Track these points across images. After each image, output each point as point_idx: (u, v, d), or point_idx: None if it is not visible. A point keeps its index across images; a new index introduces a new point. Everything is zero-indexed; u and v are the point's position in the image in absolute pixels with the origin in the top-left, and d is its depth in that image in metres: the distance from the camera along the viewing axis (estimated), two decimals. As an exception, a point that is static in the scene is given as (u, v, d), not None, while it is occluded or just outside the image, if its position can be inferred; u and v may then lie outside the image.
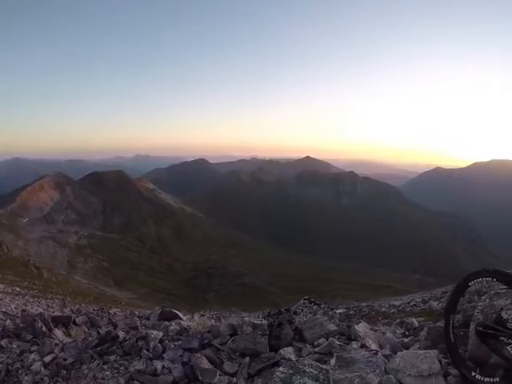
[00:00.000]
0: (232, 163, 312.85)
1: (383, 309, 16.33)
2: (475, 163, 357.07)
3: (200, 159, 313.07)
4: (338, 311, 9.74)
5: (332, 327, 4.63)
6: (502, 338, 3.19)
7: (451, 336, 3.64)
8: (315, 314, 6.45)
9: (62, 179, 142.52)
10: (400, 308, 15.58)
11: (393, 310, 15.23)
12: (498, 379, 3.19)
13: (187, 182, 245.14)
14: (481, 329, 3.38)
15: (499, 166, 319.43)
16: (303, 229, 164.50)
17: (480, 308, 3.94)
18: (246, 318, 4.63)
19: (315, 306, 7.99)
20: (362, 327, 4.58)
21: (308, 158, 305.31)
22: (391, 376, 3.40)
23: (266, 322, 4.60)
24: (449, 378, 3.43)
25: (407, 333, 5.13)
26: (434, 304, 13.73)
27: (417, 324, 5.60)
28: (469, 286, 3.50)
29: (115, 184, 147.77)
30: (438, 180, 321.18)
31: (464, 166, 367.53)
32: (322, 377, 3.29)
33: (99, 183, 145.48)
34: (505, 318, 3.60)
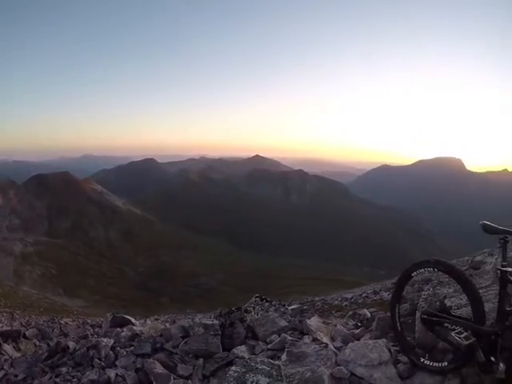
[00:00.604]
0: (181, 162, 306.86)
1: (336, 302, 16.56)
2: (420, 161, 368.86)
3: (148, 159, 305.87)
4: (291, 307, 9.79)
5: (283, 323, 4.65)
6: (446, 324, 3.30)
7: (398, 325, 3.74)
8: (267, 312, 6.47)
9: (3, 183, 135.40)
10: (352, 300, 15.86)
11: (345, 303, 15.47)
12: (446, 363, 3.31)
13: (136, 183, 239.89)
14: (425, 317, 3.47)
15: (443, 163, 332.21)
16: (254, 227, 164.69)
17: (424, 297, 4.07)
18: (197, 319, 4.58)
19: (267, 304, 8.00)
20: (313, 321, 4.62)
21: (257, 156, 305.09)
22: (342, 367, 3.47)
23: (217, 322, 4.57)
24: (399, 365, 3.53)
25: (359, 324, 5.21)
26: (385, 294, 14.02)
27: (369, 315, 5.71)
28: (412, 277, 3.59)
29: (61, 186, 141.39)
30: (385, 177, 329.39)
31: (409, 163, 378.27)
32: (274, 373, 3.31)
33: (44, 186, 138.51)
34: (448, 305, 3.74)
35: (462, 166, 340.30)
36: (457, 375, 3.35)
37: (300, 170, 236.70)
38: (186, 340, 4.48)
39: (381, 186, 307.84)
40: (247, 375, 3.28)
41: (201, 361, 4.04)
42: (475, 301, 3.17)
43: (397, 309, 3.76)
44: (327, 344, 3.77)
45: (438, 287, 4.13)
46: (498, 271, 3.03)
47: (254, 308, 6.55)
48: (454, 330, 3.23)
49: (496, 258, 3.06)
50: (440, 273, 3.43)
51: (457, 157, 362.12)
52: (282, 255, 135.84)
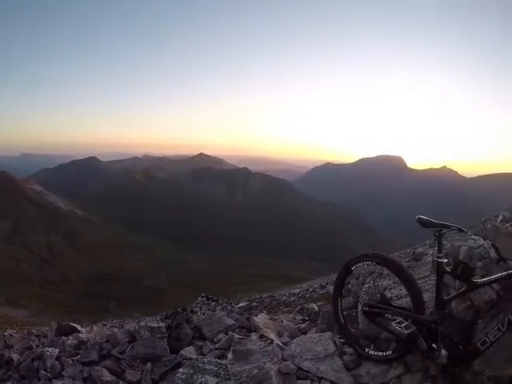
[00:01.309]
0: (124, 161, 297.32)
1: (284, 298, 16.66)
2: (363, 158, 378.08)
3: (91, 157, 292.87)
4: (240, 305, 9.82)
5: (230, 321, 4.63)
6: (387, 315, 3.41)
7: (341, 318, 3.84)
8: (214, 311, 6.45)
9: None
10: (300, 295, 16.01)
11: (293, 298, 15.60)
12: (390, 352, 3.42)
13: (77, 183, 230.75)
14: (367, 309, 3.58)
15: (385, 161, 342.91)
16: (199, 226, 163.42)
17: (365, 289, 4.19)
18: (143, 323, 4.46)
19: (213, 303, 8.00)
20: (261, 318, 4.64)
21: (202, 154, 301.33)
22: (289, 362, 3.50)
23: (163, 324, 4.51)
24: (344, 356, 3.61)
25: (307, 318, 5.28)
26: (332, 288, 14.26)
27: (317, 309, 5.79)
28: (351, 271, 3.71)
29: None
30: (329, 174, 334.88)
31: (353, 161, 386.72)
32: (222, 372, 3.31)
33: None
34: (389, 296, 3.86)
35: (403, 163, 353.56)
36: (401, 363, 3.47)
37: (244, 167, 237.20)
38: (132, 345, 4.37)
39: (325, 183, 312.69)
40: (195, 376, 3.27)
41: (149, 365, 3.96)
42: (413, 291, 3.30)
43: (339, 302, 3.86)
44: (272, 340, 3.79)
45: (379, 279, 4.25)
46: (435, 262, 3.18)
47: (200, 308, 6.53)
48: (394, 320, 3.33)
49: (432, 250, 3.20)
50: (376, 265, 3.55)
51: (398, 155, 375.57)
52: (228, 253, 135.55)
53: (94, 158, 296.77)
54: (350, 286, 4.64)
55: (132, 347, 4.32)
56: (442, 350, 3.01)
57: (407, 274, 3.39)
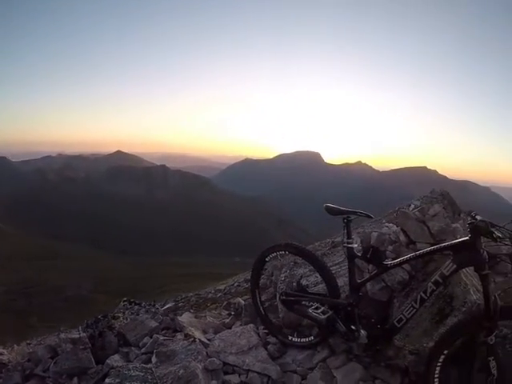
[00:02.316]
0: (36, 160, 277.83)
1: (210, 295, 16.62)
2: (281, 154, 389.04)
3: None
4: (166, 306, 9.66)
5: (154, 324, 4.50)
6: (304, 302, 3.49)
7: (261, 309, 3.90)
8: (137, 315, 6.28)
9: None
10: (226, 291, 16.04)
11: (219, 294, 15.59)
12: (312, 338, 3.52)
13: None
14: (284, 298, 3.64)
15: (303, 157, 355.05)
16: (119, 227, 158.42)
17: (282, 279, 4.27)
18: (63, 335, 4.23)
19: (136, 306, 7.76)
20: (185, 317, 4.59)
21: (119, 152, 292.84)
22: (214, 359, 3.48)
23: (85, 334, 4.32)
24: (269, 346, 3.66)
25: (233, 313, 5.30)
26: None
27: (243, 303, 5.84)
28: (266, 262, 3.77)
29: None
30: (248, 170, 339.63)
31: (271, 156, 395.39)
32: (149, 377, 3.21)
33: None
34: (305, 284, 3.97)
35: (321, 158, 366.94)
36: (325, 346, 3.58)
37: (163, 165, 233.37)
38: (55, 360, 4.14)
39: (244, 178, 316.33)
40: None
41: (75, 380, 3.76)
42: (327, 277, 3.42)
43: (257, 293, 3.92)
44: (195, 338, 3.77)
45: (295, 268, 4.36)
46: (345, 248, 3.29)
47: (123, 313, 6.30)
48: (311, 306, 3.43)
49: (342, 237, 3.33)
50: (289, 254, 3.63)
51: (315, 150, 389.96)
52: (151, 254, 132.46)
53: (3, 157, 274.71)
54: (273, 277, 4.71)
55: (55, 363, 4.07)
56: (361, 331, 3.14)
57: (319, 261, 3.50)
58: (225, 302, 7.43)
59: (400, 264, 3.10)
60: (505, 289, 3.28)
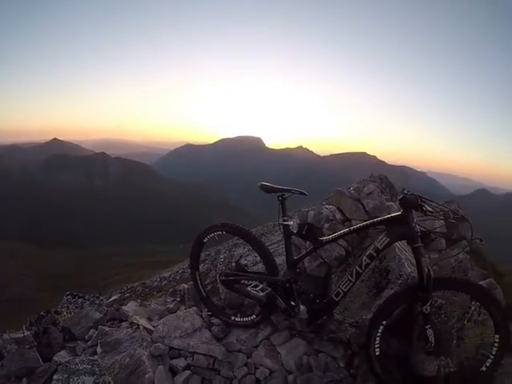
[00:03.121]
0: None
1: (155, 283, 16.48)
2: (223, 139, 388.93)
3: None
4: (113, 298, 9.48)
5: (98, 315, 4.41)
6: (243, 281, 3.53)
7: (202, 291, 3.91)
8: (82, 308, 6.13)
9: None
10: (171, 278, 15.96)
11: (165, 282, 15.49)
12: (254, 316, 3.57)
13: None
14: (223, 278, 3.66)
15: (244, 141, 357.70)
16: (60, 220, 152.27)
17: (222, 260, 4.30)
18: (6, 335, 4.05)
19: (80, 299, 7.58)
20: (130, 306, 4.54)
21: (55, 140, 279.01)
22: (159, 344, 3.47)
23: (29, 332, 4.18)
24: (213, 328, 3.69)
25: (178, 299, 5.29)
26: (200, 266, 14.44)
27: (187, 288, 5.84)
28: (204, 243, 3.75)
29: None
30: (189, 155, 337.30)
31: (213, 141, 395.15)
32: (97, 369, 3.17)
33: None
34: (244, 263, 4.01)
35: (262, 143, 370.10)
36: (268, 324, 3.65)
37: (102, 152, 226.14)
38: (1, 363, 3.98)
39: (186, 164, 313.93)
40: (71, 380, 3.08)
41: (24, 381, 3.61)
42: (265, 255, 3.47)
43: (197, 276, 3.92)
44: (139, 325, 3.73)
45: (234, 249, 4.40)
46: (281, 226, 3.34)
47: (67, 307, 6.14)
48: (250, 284, 3.49)
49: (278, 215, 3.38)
50: (227, 234, 3.62)
51: (257, 135, 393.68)
52: (93, 246, 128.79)
53: None
54: (215, 261, 4.72)
55: (1, 366, 3.92)
56: (301, 306, 3.23)
57: (256, 240, 3.53)
58: (171, 289, 7.39)
59: (334, 239, 3.17)
60: (437, 261, 3.45)
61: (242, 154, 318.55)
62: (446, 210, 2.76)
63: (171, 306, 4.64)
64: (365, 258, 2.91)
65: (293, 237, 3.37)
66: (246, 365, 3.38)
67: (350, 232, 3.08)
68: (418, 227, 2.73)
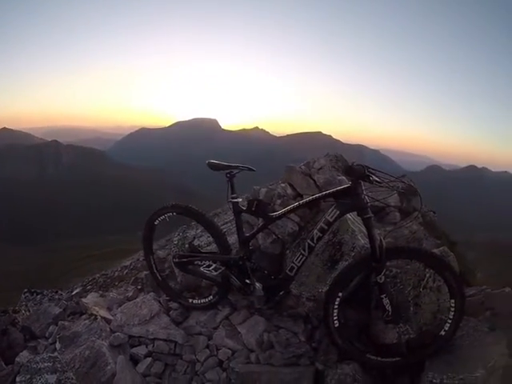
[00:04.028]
0: None
1: (117, 273, 16.30)
2: (178, 122, 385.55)
3: None
4: (75, 291, 9.29)
5: (57, 310, 4.28)
6: (196, 262, 3.50)
7: (158, 276, 3.86)
8: (41, 304, 5.96)
9: None
10: (132, 267, 15.79)
11: (126, 271, 15.32)
12: (211, 297, 3.56)
13: None
14: (177, 260, 3.60)
15: (200, 124, 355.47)
16: (12, 213, 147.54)
17: (175, 242, 4.27)
18: None
19: (39, 296, 7.38)
20: (90, 298, 4.45)
21: (4, 129, 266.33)
22: (118, 333, 3.43)
23: None
24: (171, 312, 3.66)
25: (139, 287, 5.22)
26: (161, 252, 14.33)
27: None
28: (155, 226, 3.69)
29: None
30: (144, 140, 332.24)
31: (168, 124, 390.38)
32: (59, 365, 3.08)
33: None
34: (198, 244, 3.98)
35: (218, 125, 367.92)
36: (227, 304, 3.64)
37: (54, 140, 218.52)
38: None
39: (141, 149, 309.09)
40: (34, 380, 2.96)
41: None
42: (216, 234, 3.45)
43: (152, 260, 3.86)
44: (96, 316, 3.66)
45: (188, 230, 4.36)
46: (230, 203, 3.32)
47: (25, 305, 5.95)
48: (203, 264, 3.46)
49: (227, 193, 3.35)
50: (177, 215, 3.56)
51: (212, 117, 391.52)
52: (50, 239, 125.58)
53: None
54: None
55: None
56: (256, 283, 3.23)
57: (207, 219, 3.50)
58: (132, 278, 7.31)
59: (284, 214, 3.18)
60: (388, 232, 3.51)
61: (198, 137, 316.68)
62: (394, 180, 2.79)
63: (130, 293, 4.57)
64: (316, 231, 2.92)
65: (243, 214, 3.36)
66: (207, 347, 3.37)
67: (299, 206, 3.09)
68: (367, 198, 2.76)
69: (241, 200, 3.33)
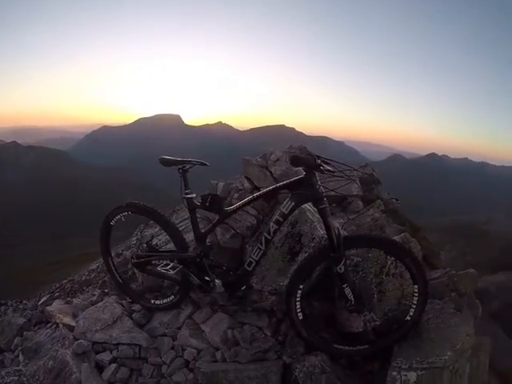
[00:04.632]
0: None
1: (84, 277, 15.99)
2: (140, 119, 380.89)
3: None
4: (42, 300, 9.05)
5: (21, 321, 4.13)
6: (154, 261, 3.44)
7: (118, 277, 3.80)
8: (5, 315, 5.77)
9: None
10: (99, 270, 15.52)
11: (93, 275, 15.06)
12: (173, 297, 3.50)
13: None
14: (134, 260, 3.53)
15: (163, 120, 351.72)
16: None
17: (134, 242, 4.20)
18: None
19: (3, 307, 7.16)
20: (54, 306, 4.29)
21: None
22: (81, 341, 3.33)
23: None
24: (133, 315, 3.59)
25: (106, 290, 5.12)
26: (127, 253, 14.15)
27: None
28: (111, 226, 3.61)
29: None
30: (107, 138, 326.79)
31: (130, 122, 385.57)
32: (24, 379, 3.00)
33: None
34: (156, 243, 3.92)
35: (181, 121, 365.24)
36: (189, 303, 3.60)
37: (13, 141, 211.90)
38: None
39: (103, 147, 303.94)
40: None
41: None
42: (172, 231, 3.39)
43: (110, 262, 3.81)
44: (58, 324, 3.57)
45: (146, 229, 4.30)
46: (184, 199, 3.26)
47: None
48: (160, 264, 3.43)
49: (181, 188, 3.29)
50: (133, 214, 3.49)
51: (176, 113, 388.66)
52: (13, 246, 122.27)
53: None
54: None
55: None
56: (216, 280, 3.18)
57: (162, 217, 3.43)
58: (100, 282, 7.17)
59: (239, 208, 3.13)
60: (350, 219, 3.52)
61: (160, 133, 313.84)
62: (348, 169, 2.79)
63: (95, 298, 4.47)
64: (272, 224, 2.89)
65: (198, 209, 3.30)
66: (173, 348, 3.31)
67: (253, 199, 3.05)
68: (321, 189, 2.74)
69: (195, 195, 3.27)
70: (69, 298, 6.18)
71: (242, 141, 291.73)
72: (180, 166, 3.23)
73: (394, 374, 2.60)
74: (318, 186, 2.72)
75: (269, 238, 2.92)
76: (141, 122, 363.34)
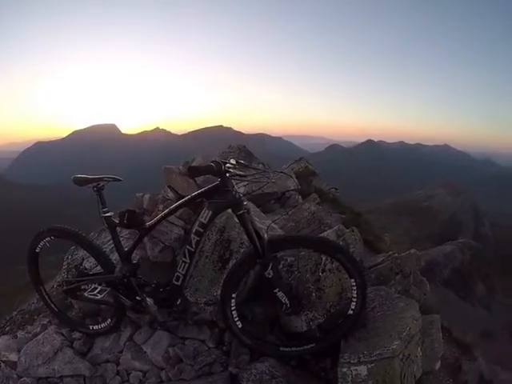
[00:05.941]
0: None
1: (33, 306, 15.30)
2: (75, 131, 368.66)
3: None
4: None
5: None
6: (83, 287, 3.33)
7: (52, 306, 3.69)
8: None
9: None
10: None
11: (42, 302, 14.48)
12: (109, 321, 3.39)
13: None
14: (65, 287, 3.42)
15: (99, 131, 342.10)
16: None
17: (65, 267, 4.04)
18: None
19: None
20: (1, 342, 4.02)
21: None
22: (24, 378, 3.22)
23: None
24: (74, 344, 3.45)
25: (47, 321, 4.91)
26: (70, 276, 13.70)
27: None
28: (37, 253, 3.49)
29: None
30: (42, 155, 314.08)
31: (64, 135, 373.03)
32: None
33: None
34: (87, 266, 3.77)
35: (117, 130, 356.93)
36: (128, 323, 3.50)
37: None
38: None
39: (39, 165, 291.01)
40: None
41: None
42: (96, 253, 3.29)
43: (43, 291, 3.68)
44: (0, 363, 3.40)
45: (76, 252, 4.12)
46: (102, 218, 3.15)
47: None
48: (88, 289, 3.31)
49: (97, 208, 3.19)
50: (56, 238, 3.37)
51: (111, 122, 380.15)
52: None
53: None
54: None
55: None
56: (147, 299, 3.08)
57: (85, 239, 3.32)
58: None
59: (159, 221, 3.04)
60: (276, 219, 3.53)
61: (97, 145, 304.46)
62: (262, 171, 2.80)
63: (38, 329, 4.29)
64: (193, 235, 2.82)
65: (117, 228, 3.19)
66: (118, 373, 3.21)
67: (172, 211, 2.99)
68: (238, 194, 2.71)
69: (113, 213, 3.17)
70: (20, 331, 5.92)
71: (181, 145, 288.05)
72: (94, 184, 3.14)
73: (344, 370, 2.58)
74: (234, 192, 2.69)
75: (192, 250, 2.84)
76: (76, 135, 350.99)
